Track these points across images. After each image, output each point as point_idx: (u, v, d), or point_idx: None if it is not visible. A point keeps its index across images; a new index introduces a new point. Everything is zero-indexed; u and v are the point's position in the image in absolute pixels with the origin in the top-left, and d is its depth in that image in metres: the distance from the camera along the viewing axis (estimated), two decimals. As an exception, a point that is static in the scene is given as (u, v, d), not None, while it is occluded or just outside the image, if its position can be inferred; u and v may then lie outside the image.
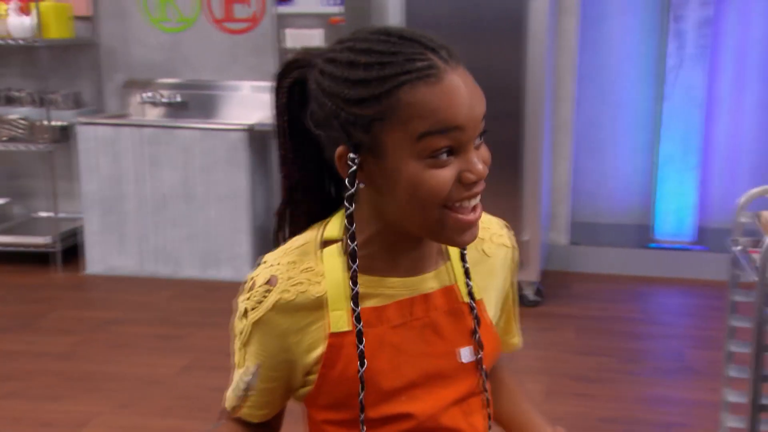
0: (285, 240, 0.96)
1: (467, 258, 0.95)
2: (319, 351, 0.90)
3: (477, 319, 0.94)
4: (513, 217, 3.41)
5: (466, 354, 0.93)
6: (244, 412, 0.97)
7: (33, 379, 2.92)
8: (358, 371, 0.88)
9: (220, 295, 3.75)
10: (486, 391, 0.97)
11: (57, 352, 3.16)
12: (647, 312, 3.65)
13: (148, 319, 3.51)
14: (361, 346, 0.87)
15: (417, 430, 0.92)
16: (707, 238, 4.02)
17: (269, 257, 0.93)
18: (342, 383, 0.90)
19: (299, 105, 0.91)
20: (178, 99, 4.23)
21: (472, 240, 0.87)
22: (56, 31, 4.06)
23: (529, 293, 3.58)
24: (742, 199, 2.09)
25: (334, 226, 0.92)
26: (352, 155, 0.84)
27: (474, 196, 0.85)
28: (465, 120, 0.81)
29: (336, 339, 0.89)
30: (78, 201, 4.17)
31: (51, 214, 4.17)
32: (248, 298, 0.91)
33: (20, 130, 4.11)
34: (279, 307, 0.89)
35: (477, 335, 0.94)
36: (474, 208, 0.86)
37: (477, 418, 0.96)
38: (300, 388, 0.94)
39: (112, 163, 3.97)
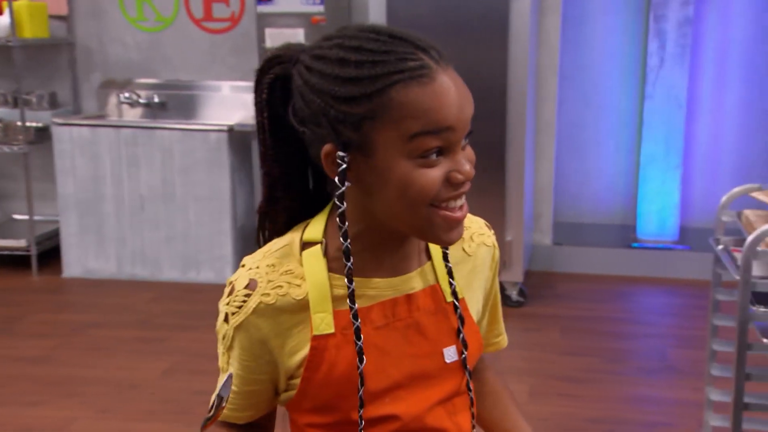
0: (265, 238, 0.95)
1: (449, 258, 0.95)
2: (302, 354, 0.89)
3: (461, 319, 0.94)
4: (497, 218, 3.41)
5: (450, 354, 0.93)
6: (226, 414, 0.96)
7: (10, 384, 2.87)
8: (357, 367, 0.87)
9: (202, 297, 3.72)
10: (471, 390, 0.97)
11: (34, 357, 3.11)
12: (631, 312, 3.66)
13: (128, 322, 3.47)
14: (360, 343, 0.87)
15: (402, 431, 0.91)
16: (690, 237, 4.04)
17: (248, 260, 0.92)
18: (326, 386, 0.89)
19: (281, 101, 0.90)
20: (157, 99, 4.18)
21: (458, 238, 0.87)
22: (31, 31, 4.00)
23: (513, 294, 3.58)
24: (724, 198, 2.09)
25: (315, 228, 0.92)
26: (341, 153, 0.83)
27: (460, 195, 0.85)
28: (456, 121, 0.82)
29: (319, 341, 0.88)
30: (55, 203, 4.11)
31: (27, 216, 4.10)
32: (228, 303, 0.90)
33: (-5, 132, 4.05)
34: (260, 311, 0.88)
35: (461, 334, 0.94)
36: (461, 207, 0.86)
37: (462, 418, 0.96)
38: (283, 392, 0.93)
39: (89, 165, 3.91)
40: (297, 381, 0.90)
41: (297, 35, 3.66)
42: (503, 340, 1.10)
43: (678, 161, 4.01)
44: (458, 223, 0.86)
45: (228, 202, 3.87)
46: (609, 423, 2.58)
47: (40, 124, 4.12)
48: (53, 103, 4.26)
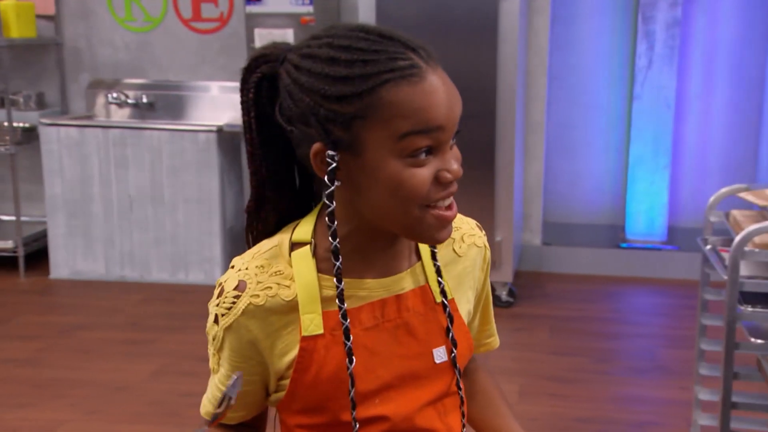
0: (254, 239, 0.95)
1: (439, 258, 0.95)
2: (292, 355, 0.89)
3: (450, 317, 0.94)
4: (486, 218, 3.41)
5: (440, 354, 0.93)
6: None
7: (-4, 388, 2.84)
8: (347, 368, 0.87)
9: (191, 298, 3.71)
10: (461, 389, 0.96)
11: (22, 359, 3.08)
12: (620, 311, 3.68)
13: (116, 324, 3.45)
14: (349, 343, 0.87)
15: (392, 432, 0.91)
16: (678, 237, 4.06)
17: (237, 262, 0.92)
18: (315, 387, 0.89)
19: (268, 100, 0.89)
20: (145, 100, 4.16)
21: (448, 236, 0.87)
22: (18, 31, 3.98)
23: (503, 294, 3.58)
24: (712, 198, 2.11)
25: (304, 229, 0.91)
26: (331, 152, 0.83)
27: (449, 195, 0.85)
28: (445, 120, 0.82)
29: (308, 342, 0.88)
30: (42, 204, 4.09)
31: (14, 217, 4.07)
32: (218, 304, 0.90)
33: (-18, 132, 4.02)
34: (249, 312, 0.88)
35: (451, 333, 0.94)
36: (450, 206, 0.87)
37: (452, 418, 0.96)
38: (273, 393, 0.93)
39: (77, 165, 3.89)
40: (286, 382, 0.90)
41: (286, 35, 3.66)
42: (495, 341, 1.10)
43: (666, 161, 4.03)
44: (449, 221, 0.86)
45: (217, 203, 3.86)
46: (598, 423, 2.58)
47: (27, 125, 4.09)
48: (41, 104, 4.23)
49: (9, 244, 4.01)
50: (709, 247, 1.99)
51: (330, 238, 0.86)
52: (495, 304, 1.10)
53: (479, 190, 3.43)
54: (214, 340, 0.92)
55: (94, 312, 3.59)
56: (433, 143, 0.82)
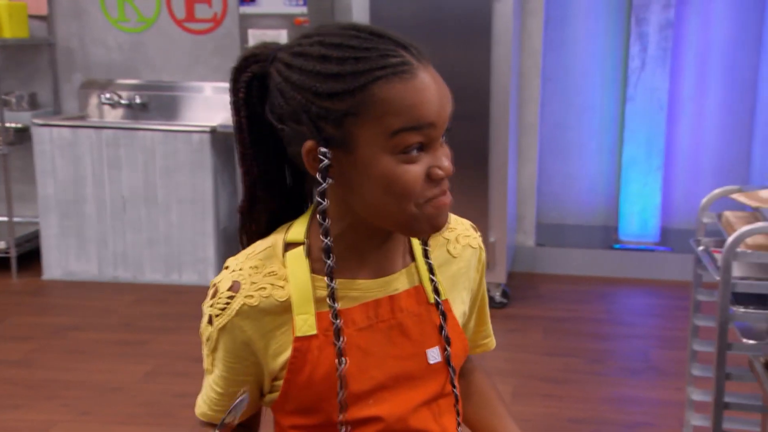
0: (248, 239, 0.95)
1: (433, 259, 0.95)
2: (285, 356, 0.89)
3: (443, 316, 0.94)
4: (480, 219, 3.42)
5: (434, 354, 0.93)
6: (211, 415, 0.96)
7: (-12, 389, 2.83)
8: (337, 369, 0.87)
9: (184, 299, 3.70)
10: (455, 388, 0.96)
11: (14, 360, 3.07)
12: (613, 312, 3.68)
13: (109, 324, 3.43)
14: (339, 344, 0.87)
15: (386, 433, 0.91)
16: (671, 238, 4.08)
17: (231, 262, 0.91)
18: (309, 388, 0.88)
19: (258, 100, 0.89)
20: (138, 100, 4.15)
21: (445, 222, 0.87)
22: (10, 31, 3.96)
23: (496, 295, 3.59)
24: (705, 200, 2.11)
25: (298, 229, 0.91)
26: (323, 150, 0.83)
27: (443, 194, 0.86)
28: (437, 117, 0.82)
29: (301, 343, 0.88)
30: (35, 204, 4.07)
31: (6, 218, 4.05)
32: (212, 305, 0.90)
33: (-26, 132, 4.00)
34: (243, 313, 0.88)
35: (444, 332, 0.93)
36: (444, 192, 0.86)
37: (447, 419, 0.96)
38: (268, 394, 0.93)
39: (69, 166, 3.88)
40: (280, 382, 0.90)
41: (280, 36, 3.65)
42: (491, 342, 1.10)
43: (659, 163, 4.04)
44: (446, 207, 0.86)
45: (211, 203, 3.85)
46: (591, 423, 2.59)
47: (19, 125, 4.08)
48: (33, 104, 4.22)
49: (1, 244, 4.00)
50: (701, 248, 1.99)
51: (322, 236, 0.86)
52: (489, 305, 1.10)
53: (473, 191, 3.43)
54: (208, 341, 0.92)
55: (87, 313, 3.58)
56: (424, 140, 0.82)
